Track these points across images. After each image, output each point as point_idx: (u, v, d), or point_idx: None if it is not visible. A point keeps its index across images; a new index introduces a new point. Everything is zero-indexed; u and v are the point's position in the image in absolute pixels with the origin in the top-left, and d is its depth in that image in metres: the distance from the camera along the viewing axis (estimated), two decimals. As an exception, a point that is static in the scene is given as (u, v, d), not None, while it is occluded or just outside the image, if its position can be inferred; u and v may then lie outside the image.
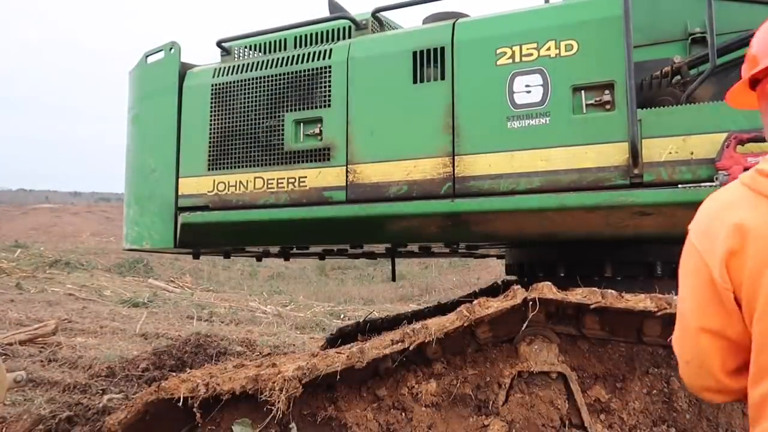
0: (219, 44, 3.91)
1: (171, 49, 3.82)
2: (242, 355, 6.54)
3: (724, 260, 1.15)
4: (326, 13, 3.79)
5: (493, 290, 4.82)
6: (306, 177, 3.33)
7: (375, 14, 3.57)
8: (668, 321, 2.48)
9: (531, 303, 2.72)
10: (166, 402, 2.97)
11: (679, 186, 2.60)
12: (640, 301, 2.57)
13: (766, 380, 1.14)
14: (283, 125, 3.43)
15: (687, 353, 1.29)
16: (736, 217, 1.15)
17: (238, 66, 3.63)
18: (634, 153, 2.66)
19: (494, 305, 2.71)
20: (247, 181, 3.48)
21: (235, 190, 3.51)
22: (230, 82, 3.61)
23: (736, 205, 1.18)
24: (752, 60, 1.31)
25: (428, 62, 3.11)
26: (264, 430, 2.94)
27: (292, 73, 3.45)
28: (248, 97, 3.54)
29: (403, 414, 2.96)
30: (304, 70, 3.41)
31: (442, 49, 3.10)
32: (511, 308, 2.75)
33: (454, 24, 3.15)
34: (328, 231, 3.39)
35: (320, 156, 3.32)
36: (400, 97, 3.16)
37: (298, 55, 3.47)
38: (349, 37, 3.52)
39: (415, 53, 3.15)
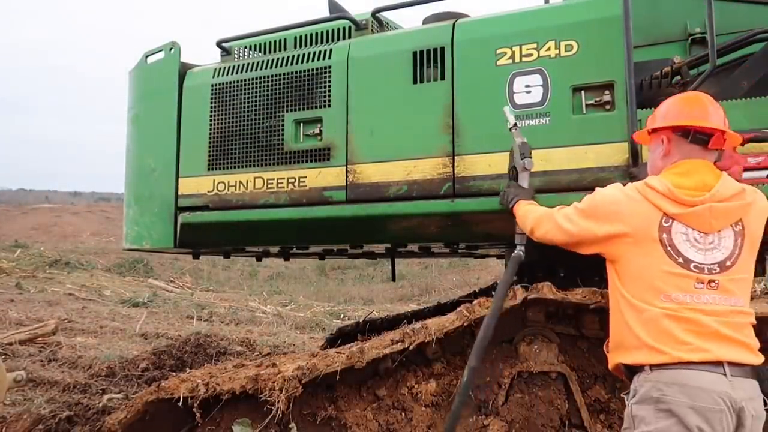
0: (219, 44, 3.90)
1: (171, 49, 3.82)
2: (242, 355, 6.53)
3: (611, 235, 2.10)
4: (326, 13, 3.79)
5: (493, 290, 4.81)
6: (306, 177, 3.33)
7: (375, 14, 3.57)
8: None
9: (530, 303, 2.73)
10: (166, 402, 2.97)
11: (679, 186, 2.60)
12: (639, 301, 2.57)
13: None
14: (283, 125, 3.43)
15: (554, 234, 2.32)
16: (632, 210, 2.06)
17: (238, 66, 3.64)
18: (634, 153, 2.66)
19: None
20: (247, 181, 3.48)
21: (235, 190, 3.51)
22: (230, 82, 3.61)
23: (635, 201, 2.07)
24: (652, 117, 2.29)
25: (428, 62, 3.11)
26: (264, 430, 2.94)
27: (292, 73, 3.45)
28: (248, 97, 3.54)
29: (403, 414, 2.96)
30: (304, 70, 3.41)
31: (442, 49, 3.10)
32: (511, 308, 2.75)
33: (454, 24, 3.15)
34: (328, 231, 3.39)
35: (320, 156, 3.32)
36: (400, 97, 3.16)
37: (298, 56, 3.47)
38: (349, 37, 3.52)
39: (415, 53, 3.15)
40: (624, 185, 2.16)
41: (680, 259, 1.98)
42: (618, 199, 2.10)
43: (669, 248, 2.00)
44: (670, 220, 2.01)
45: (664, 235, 2.00)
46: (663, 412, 1.88)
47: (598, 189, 2.23)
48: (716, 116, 2.15)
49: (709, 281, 1.97)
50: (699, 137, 2.11)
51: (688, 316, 1.94)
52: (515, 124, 2.70)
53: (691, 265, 1.98)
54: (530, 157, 2.62)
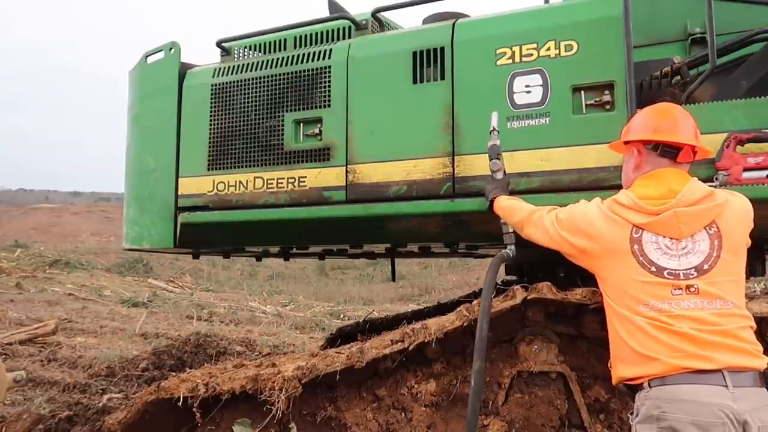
0: (219, 44, 3.90)
1: (171, 49, 3.82)
2: (242, 354, 6.53)
3: (584, 249, 2.19)
4: (326, 13, 3.79)
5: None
6: (306, 177, 3.33)
7: (375, 14, 3.57)
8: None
9: (530, 303, 2.73)
10: (165, 402, 2.97)
11: (679, 186, 2.60)
12: (639, 301, 2.57)
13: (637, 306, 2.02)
14: (282, 125, 3.42)
15: (540, 237, 2.39)
16: (603, 229, 2.13)
17: (238, 66, 3.63)
18: (634, 153, 2.65)
19: (494, 305, 2.72)
20: (247, 181, 3.48)
21: (235, 190, 3.51)
22: (230, 82, 3.61)
23: (606, 218, 2.14)
24: (626, 129, 2.34)
25: (428, 62, 3.11)
26: (264, 430, 2.94)
27: (292, 73, 3.45)
28: (248, 97, 3.54)
29: (403, 414, 2.96)
30: (304, 70, 3.41)
31: (442, 49, 3.10)
32: (511, 308, 2.75)
33: (453, 24, 3.15)
34: (328, 231, 3.39)
35: (320, 156, 3.32)
36: (399, 97, 3.16)
37: (298, 55, 3.47)
38: (349, 37, 3.51)
39: (414, 53, 3.15)
40: (603, 201, 2.22)
41: (653, 268, 2.01)
42: (593, 216, 2.17)
43: (641, 258, 2.03)
44: (640, 231, 2.05)
45: (635, 246, 2.05)
46: (665, 430, 1.86)
47: (582, 201, 2.31)
48: (686, 129, 2.18)
49: (687, 286, 1.96)
50: (667, 150, 2.16)
51: (672, 324, 1.93)
52: (493, 128, 2.79)
53: (665, 272, 1.99)
54: (497, 159, 2.75)
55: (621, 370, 2.08)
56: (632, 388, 2.05)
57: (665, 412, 1.87)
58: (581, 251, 2.21)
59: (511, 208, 2.60)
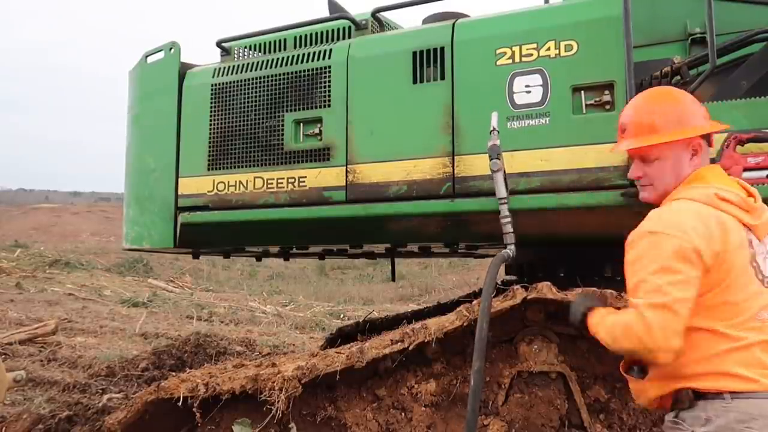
0: (219, 44, 3.91)
1: (171, 49, 3.82)
2: (242, 354, 6.53)
3: (713, 250, 1.69)
4: (326, 13, 3.79)
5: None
6: (306, 177, 3.33)
7: (375, 14, 3.57)
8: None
9: (530, 303, 2.72)
10: (165, 402, 2.97)
11: (679, 186, 2.60)
12: (639, 301, 2.56)
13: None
14: (282, 125, 3.43)
15: (660, 325, 1.67)
16: (720, 237, 1.70)
17: (238, 66, 3.64)
18: (634, 153, 2.65)
19: (494, 305, 2.72)
20: (247, 181, 3.48)
21: (235, 190, 3.51)
22: (230, 82, 3.61)
23: (713, 216, 1.73)
24: (676, 123, 1.88)
25: (428, 62, 3.11)
26: (264, 429, 2.94)
27: (292, 73, 3.45)
28: (248, 97, 3.54)
29: (403, 414, 2.96)
30: (304, 70, 3.41)
31: (442, 49, 3.10)
32: (511, 308, 2.75)
33: (453, 24, 3.15)
34: (327, 231, 3.39)
35: (320, 156, 3.32)
36: (399, 97, 3.16)
37: (298, 55, 3.47)
38: (349, 37, 3.52)
39: (414, 53, 3.15)
40: (688, 202, 1.80)
41: (759, 276, 1.76)
42: (696, 222, 1.72)
43: (754, 264, 1.76)
44: (750, 233, 1.77)
45: (750, 251, 1.76)
46: None
47: (650, 231, 1.77)
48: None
49: None
50: (708, 139, 1.94)
51: None
52: (493, 128, 2.76)
53: (766, 281, 1.77)
54: (497, 159, 2.70)
55: (686, 382, 1.76)
56: (699, 394, 1.75)
57: (751, 428, 1.67)
58: (709, 268, 1.70)
59: (596, 326, 1.98)
